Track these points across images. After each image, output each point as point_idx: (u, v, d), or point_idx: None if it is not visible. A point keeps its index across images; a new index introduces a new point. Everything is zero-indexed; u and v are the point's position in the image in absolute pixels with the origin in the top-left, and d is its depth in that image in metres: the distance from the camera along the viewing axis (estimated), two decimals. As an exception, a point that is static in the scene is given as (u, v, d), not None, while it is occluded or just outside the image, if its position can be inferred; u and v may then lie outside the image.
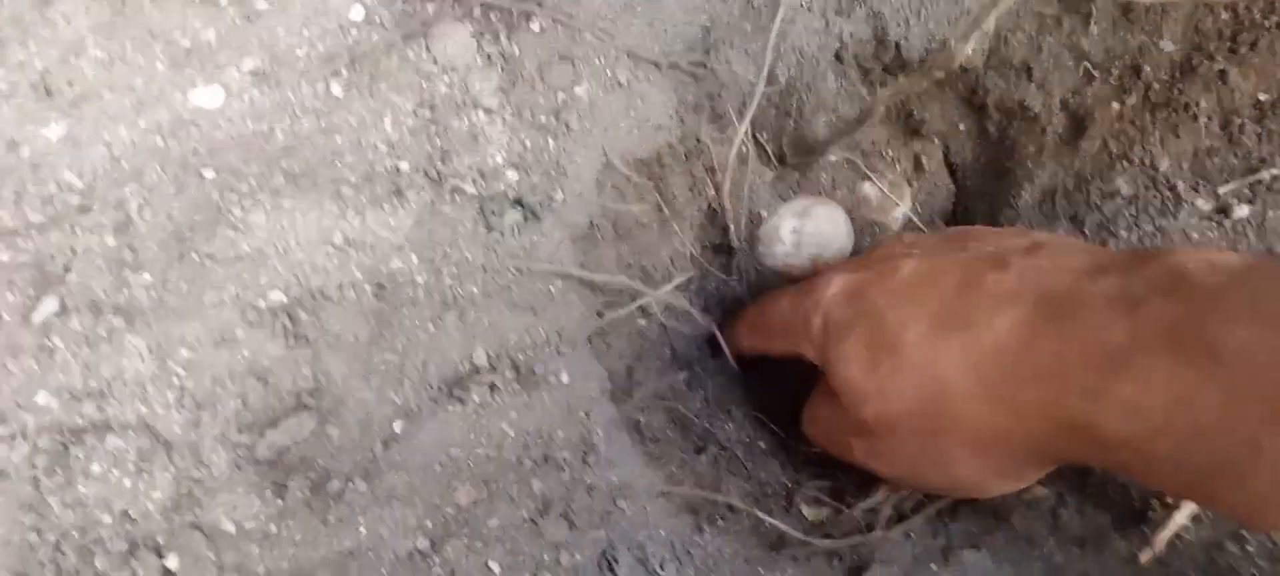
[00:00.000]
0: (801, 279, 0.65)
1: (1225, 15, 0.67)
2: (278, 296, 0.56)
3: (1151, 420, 0.39)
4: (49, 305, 0.54)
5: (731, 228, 0.66)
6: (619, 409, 0.63)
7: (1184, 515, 0.58)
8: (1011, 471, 0.52)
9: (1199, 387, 0.37)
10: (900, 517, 0.64)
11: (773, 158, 0.79)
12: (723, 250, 0.77)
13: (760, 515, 0.62)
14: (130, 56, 0.60)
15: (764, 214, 0.78)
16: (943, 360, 0.49)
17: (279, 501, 0.53)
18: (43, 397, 0.52)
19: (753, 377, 0.75)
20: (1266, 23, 0.66)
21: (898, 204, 0.80)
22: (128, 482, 0.52)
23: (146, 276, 0.55)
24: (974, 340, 0.47)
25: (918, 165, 0.83)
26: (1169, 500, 0.59)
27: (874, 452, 0.57)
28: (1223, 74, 0.66)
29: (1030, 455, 0.49)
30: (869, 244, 0.81)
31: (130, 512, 0.52)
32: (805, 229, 0.75)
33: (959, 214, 0.84)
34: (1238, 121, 0.66)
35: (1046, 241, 0.51)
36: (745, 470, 0.68)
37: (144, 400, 0.53)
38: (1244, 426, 0.36)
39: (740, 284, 0.76)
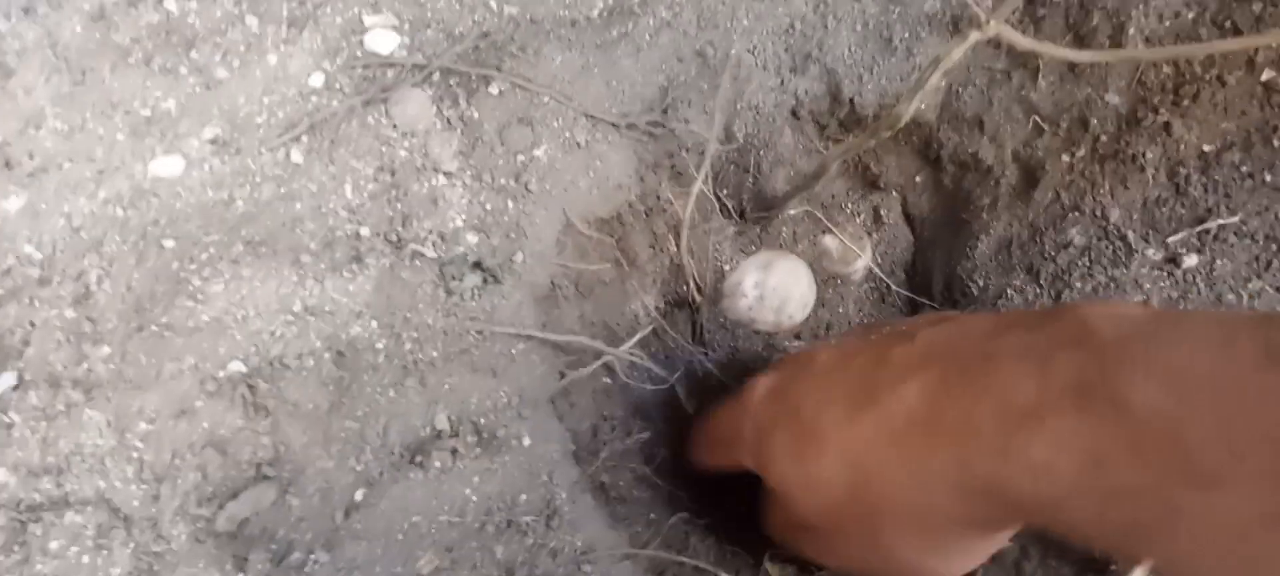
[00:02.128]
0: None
1: (1167, 69, 0.69)
2: (237, 366, 0.56)
3: (1065, 481, 0.38)
4: (6, 380, 0.54)
5: (691, 283, 0.67)
6: (583, 470, 0.63)
7: (1144, 569, 0.59)
8: (954, 547, 0.50)
9: (1110, 446, 0.36)
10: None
11: (734, 213, 0.80)
12: (685, 305, 0.77)
13: (726, 576, 0.62)
14: (90, 126, 0.61)
15: (727, 268, 0.79)
16: (858, 439, 0.48)
17: (240, 574, 0.53)
18: (0, 474, 0.52)
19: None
20: (1207, 76, 0.68)
21: (859, 255, 0.81)
22: (87, 559, 0.52)
23: (105, 348, 0.55)
24: (884, 413, 0.47)
25: (877, 217, 0.84)
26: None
27: (822, 548, 0.57)
28: (1167, 126, 0.68)
29: (962, 526, 0.47)
30: (831, 296, 0.82)
31: (88, 589, 0.51)
32: (768, 282, 0.75)
33: (918, 265, 0.85)
34: (1184, 172, 0.67)
35: (957, 316, 0.51)
36: (711, 530, 0.68)
37: (103, 475, 0.53)
38: (1160, 487, 0.35)
39: (700, 347, 0.77)
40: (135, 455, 0.54)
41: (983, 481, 0.42)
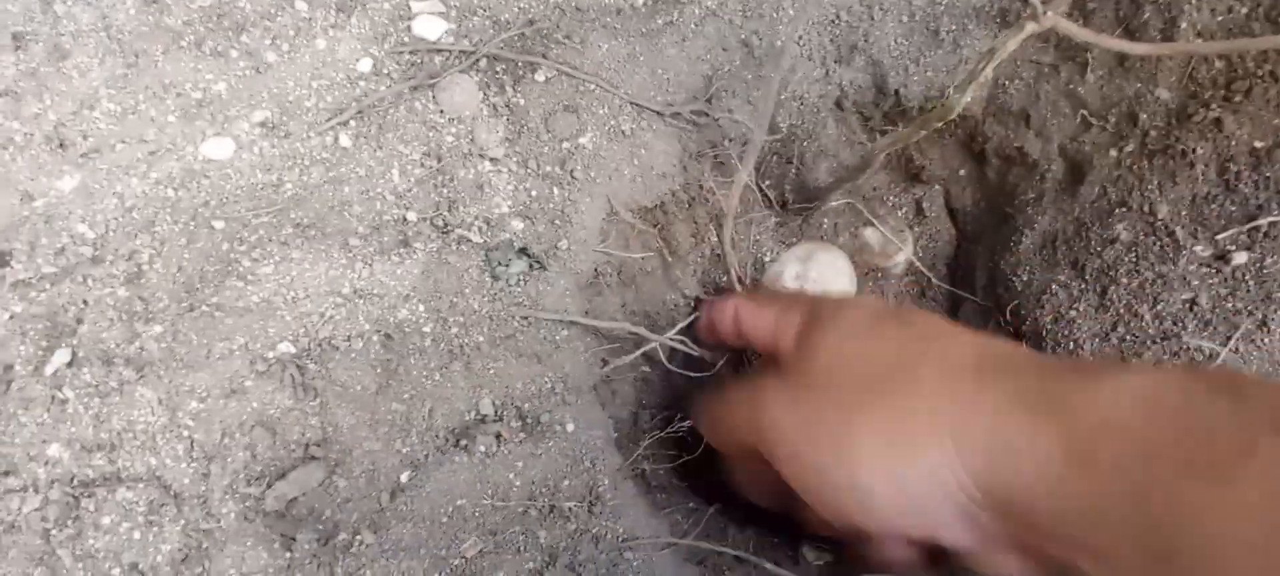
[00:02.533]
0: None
1: (1219, 64, 0.68)
2: (286, 347, 0.57)
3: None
4: (61, 357, 0.55)
5: (733, 273, 0.67)
6: (625, 457, 0.63)
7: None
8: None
9: None
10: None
11: (775, 204, 0.80)
12: (727, 295, 0.77)
13: (766, 565, 0.62)
14: (143, 109, 0.61)
15: (767, 259, 0.79)
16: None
17: (287, 554, 0.53)
18: (54, 449, 0.53)
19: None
20: (1260, 72, 0.67)
21: (900, 249, 0.81)
22: (137, 535, 0.52)
23: (157, 327, 0.56)
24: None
25: (919, 210, 0.84)
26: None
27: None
28: (1218, 122, 0.67)
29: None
30: (871, 289, 0.82)
31: (140, 565, 0.52)
32: (808, 274, 0.75)
33: (960, 259, 0.85)
34: (1234, 168, 0.66)
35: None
36: (750, 518, 0.68)
37: (154, 452, 0.54)
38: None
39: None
40: (186, 433, 0.54)
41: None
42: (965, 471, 0.43)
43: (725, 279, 0.76)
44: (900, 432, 0.46)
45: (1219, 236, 0.66)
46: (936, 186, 0.84)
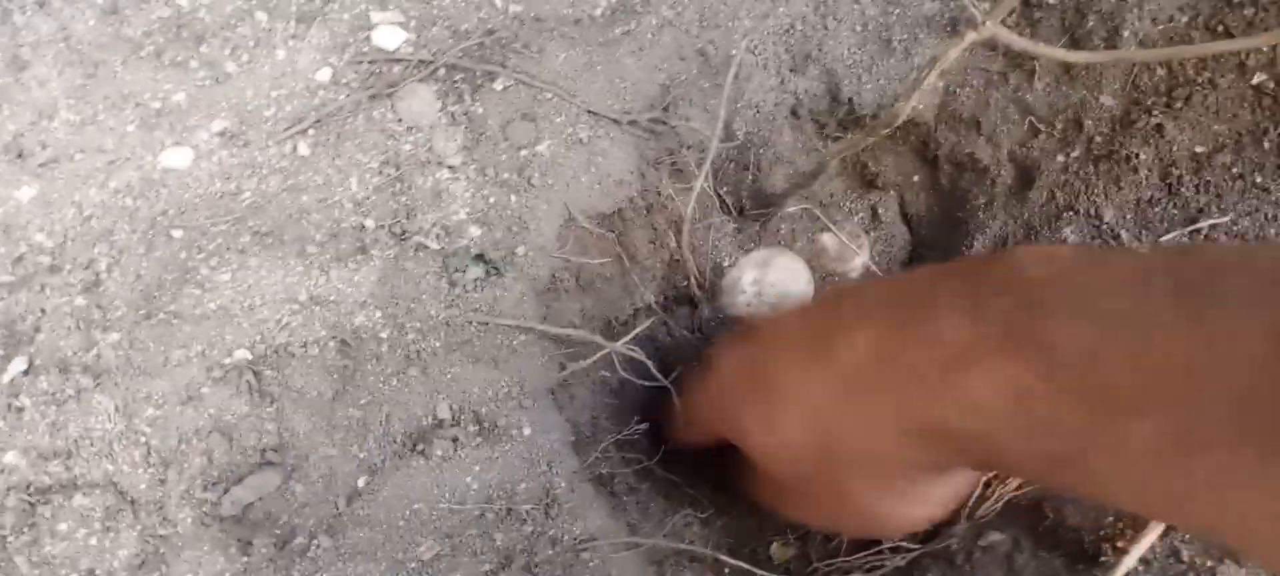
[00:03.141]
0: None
1: (1161, 72, 0.70)
2: (243, 354, 0.57)
3: (996, 417, 0.40)
4: (18, 365, 0.55)
5: (692, 279, 0.68)
6: (582, 460, 0.64)
7: (1133, 558, 0.60)
8: (910, 492, 0.52)
9: (1035, 382, 0.38)
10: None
11: (733, 210, 0.81)
12: (686, 301, 0.78)
13: (726, 560, 0.63)
14: (102, 119, 0.62)
15: (726, 265, 0.80)
16: (814, 393, 0.50)
17: (244, 558, 0.54)
18: (10, 457, 0.53)
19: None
20: (1199, 79, 0.68)
21: (857, 253, 0.82)
22: (94, 541, 0.53)
23: (114, 335, 0.56)
24: (836, 365, 0.49)
25: (875, 216, 0.85)
26: (1119, 543, 0.61)
27: (799, 507, 0.59)
28: (1160, 128, 0.69)
29: (913, 469, 0.50)
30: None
31: (97, 571, 0.52)
32: (766, 279, 0.76)
33: (915, 263, 0.86)
34: (1176, 173, 0.68)
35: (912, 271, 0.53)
36: (711, 514, 0.69)
37: (110, 458, 0.54)
38: (1081, 418, 0.37)
39: (699, 337, 0.78)
40: (143, 440, 0.55)
41: (924, 422, 0.44)
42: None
43: (685, 283, 0.78)
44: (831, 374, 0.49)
45: (1162, 239, 0.68)
46: (891, 192, 0.86)
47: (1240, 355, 0.32)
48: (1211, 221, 0.66)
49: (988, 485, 0.64)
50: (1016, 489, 0.63)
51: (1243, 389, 0.32)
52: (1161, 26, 0.70)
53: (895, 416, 0.46)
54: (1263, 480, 0.31)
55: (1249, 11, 0.68)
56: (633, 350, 0.65)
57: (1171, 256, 0.38)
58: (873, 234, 0.86)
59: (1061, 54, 0.57)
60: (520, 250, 0.65)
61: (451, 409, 0.60)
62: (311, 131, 0.64)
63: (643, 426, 0.66)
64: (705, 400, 0.62)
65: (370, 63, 0.66)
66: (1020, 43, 0.56)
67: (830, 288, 0.61)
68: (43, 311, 0.57)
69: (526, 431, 0.61)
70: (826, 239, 0.83)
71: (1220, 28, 0.69)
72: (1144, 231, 0.69)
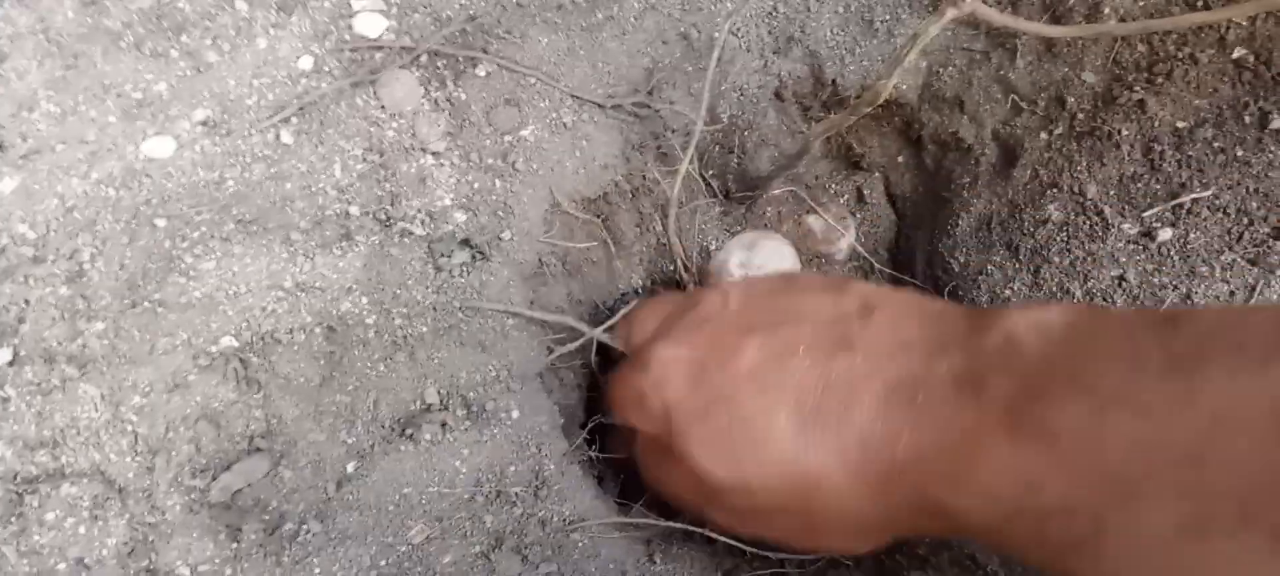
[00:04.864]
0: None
1: (1141, 48, 0.71)
2: (229, 341, 0.57)
3: (1005, 505, 0.40)
4: (2, 356, 0.55)
5: (679, 262, 0.68)
6: (570, 442, 0.64)
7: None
8: (882, 539, 0.52)
9: (1041, 470, 0.38)
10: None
11: (718, 193, 0.81)
12: (673, 285, 0.79)
13: (713, 536, 0.63)
14: (83, 109, 0.61)
15: (712, 247, 0.80)
16: (811, 457, 0.48)
17: (233, 544, 0.54)
18: (-4, 448, 0.53)
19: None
20: (1180, 55, 0.69)
21: (843, 234, 0.83)
22: (82, 529, 0.53)
23: (99, 325, 0.56)
24: (837, 436, 0.47)
25: (860, 197, 0.86)
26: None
27: (735, 525, 0.57)
28: (1141, 104, 0.69)
29: (902, 528, 0.50)
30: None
31: (86, 559, 0.52)
32: (752, 262, 0.77)
33: (901, 243, 0.87)
34: (1158, 148, 0.69)
35: (878, 302, 0.51)
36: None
37: (98, 447, 0.54)
38: (1088, 505, 0.37)
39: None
40: (129, 428, 0.55)
41: (936, 505, 0.44)
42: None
43: (672, 267, 0.78)
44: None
45: (1145, 214, 0.68)
46: (876, 173, 0.86)
47: (1239, 437, 0.32)
48: (1193, 196, 0.67)
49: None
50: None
51: (1247, 471, 0.31)
52: (1141, 2, 0.71)
53: (904, 500, 0.45)
54: (1276, 565, 0.31)
55: (1227, -15, 0.68)
56: (611, 339, 0.64)
57: (1161, 328, 0.38)
58: (858, 215, 0.86)
59: (1039, 28, 0.58)
60: (506, 235, 0.65)
61: (439, 393, 0.60)
62: (294, 119, 0.63)
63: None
64: (636, 394, 0.56)
65: (352, 50, 0.66)
66: (999, 18, 0.56)
67: (783, 290, 0.57)
68: (26, 302, 0.56)
69: (515, 414, 0.61)
70: (812, 220, 0.83)
71: (1200, 3, 0.69)
72: (1127, 207, 0.69)
